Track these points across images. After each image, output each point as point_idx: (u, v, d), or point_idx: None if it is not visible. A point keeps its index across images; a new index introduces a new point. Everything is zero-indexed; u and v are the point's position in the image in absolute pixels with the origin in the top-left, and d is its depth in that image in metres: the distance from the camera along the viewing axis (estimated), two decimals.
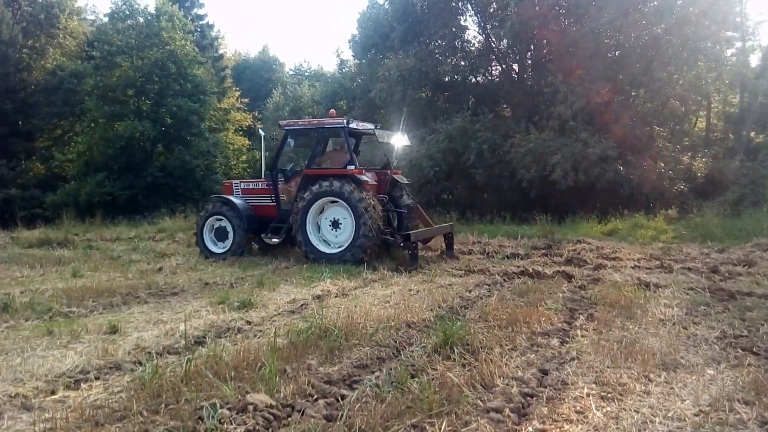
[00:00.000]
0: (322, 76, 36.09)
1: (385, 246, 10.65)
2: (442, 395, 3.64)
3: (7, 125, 31.92)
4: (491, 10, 22.43)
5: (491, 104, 22.84)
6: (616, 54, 20.12)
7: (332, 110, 11.87)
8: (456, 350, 4.52)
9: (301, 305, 6.70)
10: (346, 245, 10.19)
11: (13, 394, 3.78)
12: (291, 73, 48.54)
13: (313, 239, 10.44)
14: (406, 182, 11.74)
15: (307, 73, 46.38)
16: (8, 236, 15.77)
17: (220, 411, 3.24)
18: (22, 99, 32.80)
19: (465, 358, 4.43)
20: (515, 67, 23.22)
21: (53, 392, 3.92)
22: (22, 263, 10.47)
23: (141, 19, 29.74)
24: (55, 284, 8.09)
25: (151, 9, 30.25)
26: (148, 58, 27.92)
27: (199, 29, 37.71)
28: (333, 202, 10.40)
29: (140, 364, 4.42)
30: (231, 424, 3.14)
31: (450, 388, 3.76)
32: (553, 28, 20.06)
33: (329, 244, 10.50)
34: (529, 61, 22.43)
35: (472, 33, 24.38)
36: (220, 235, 11.42)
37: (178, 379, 3.83)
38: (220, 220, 11.40)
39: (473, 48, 23.50)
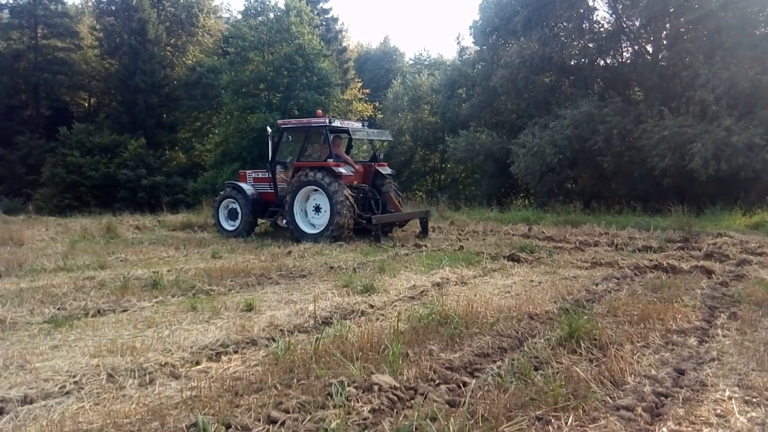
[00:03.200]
0: (442, 65, 35.91)
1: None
2: (568, 389, 3.53)
3: (153, 118, 35.07)
4: None
5: (621, 88, 21.55)
6: (766, 30, 18.17)
7: (319, 110, 13.63)
8: (582, 345, 4.36)
9: (421, 292, 6.77)
10: (324, 227, 11.61)
11: (163, 363, 4.15)
12: (411, 62, 48.83)
13: (299, 221, 11.96)
14: (389, 173, 13.06)
15: (426, 62, 46.41)
16: (155, 219, 17.30)
17: (347, 389, 3.37)
18: (167, 94, 35.81)
19: (592, 353, 4.27)
20: (648, 47, 21.73)
21: (197, 363, 4.27)
22: (167, 244, 11.46)
23: (272, 15, 31.19)
24: (197, 264, 8.77)
25: (281, 5, 31.65)
26: (278, 53, 29.25)
27: (324, 23, 38.95)
28: (316, 190, 11.77)
29: (273, 340, 4.71)
30: (358, 402, 3.25)
31: (576, 382, 3.64)
32: (693, 5, 18.49)
33: (313, 226, 11.93)
34: (665, 41, 20.87)
35: (602, 14, 23.18)
36: (232, 215, 13.11)
37: (308, 357, 4.04)
38: (232, 202, 13.02)
39: (602, 29, 22.29)
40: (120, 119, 34.15)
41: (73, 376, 3.85)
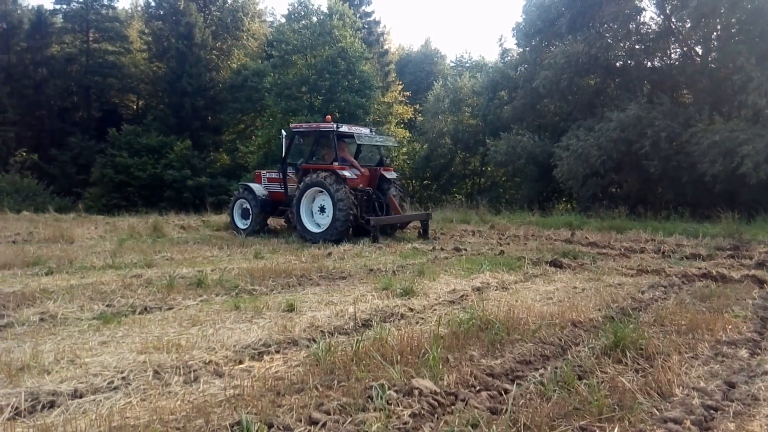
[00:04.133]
0: (484, 67, 35.58)
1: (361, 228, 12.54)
2: (613, 400, 3.45)
3: (199, 120, 35.86)
4: None
5: (669, 90, 20.95)
6: None
7: (328, 116, 14.16)
8: (628, 354, 4.26)
9: (461, 296, 6.72)
10: (327, 227, 12.11)
11: (207, 361, 4.21)
12: (452, 64, 48.54)
13: (305, 221, 12.50)
14: (394, 176, 13.80)
15: (467, 64, 46.03)
16: (200, 219, 17.65)
17: (388, 392, 3.36)
18: (212, 96, 36.55)
19: (638, 363, 4.16)
20: (698, 49, 21.07)
21: (240, 362, 4.32)
22: (211, 244, 11.67)
23: (314, 19, 31.52)
24: (240, 264, 8.89)
25: (324, 9, 31.95)
26: (320, 56, 29.54)
27: (366, 26, 39.13)
28: (321, 191, 12.31)
29: (314, 341, 4.74)
30: (398, 406, 3.24)
31: (622, 393, 3.56)
32: (745, 5, 17.86)
33: (318, 225, 12.43)
34: (715, 43, 20.19)
35: (649, 14, 22.56)
36: (245, 214, 13.91)
37: (349, 359, 4.05)
38: (244, 203, 13.83)
39: (650, 30, 21.74)
40: (167, 121, 35.02)
41: (121, 372, 3.94)
